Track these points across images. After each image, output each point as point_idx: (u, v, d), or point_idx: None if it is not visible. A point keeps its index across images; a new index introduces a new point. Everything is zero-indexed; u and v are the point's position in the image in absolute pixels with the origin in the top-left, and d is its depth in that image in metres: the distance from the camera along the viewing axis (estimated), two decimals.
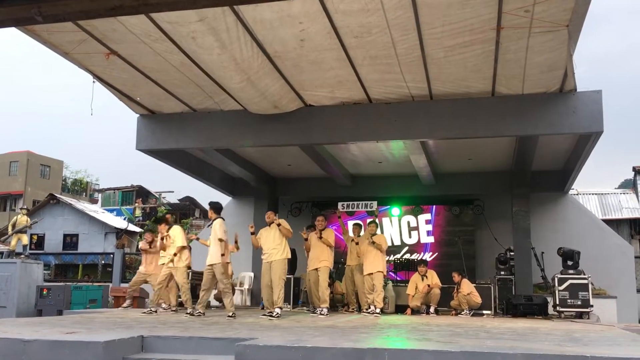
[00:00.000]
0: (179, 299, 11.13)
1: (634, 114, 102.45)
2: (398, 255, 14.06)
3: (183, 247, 9.70)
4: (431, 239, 14.32)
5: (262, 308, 11.17)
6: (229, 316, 8.53)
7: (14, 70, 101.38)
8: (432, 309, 11.03)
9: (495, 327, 7.56)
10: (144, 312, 9.54)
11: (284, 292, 9.07)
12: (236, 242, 9.88)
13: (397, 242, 14.41)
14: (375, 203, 11.87)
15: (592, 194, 23.26)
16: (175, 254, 9.61)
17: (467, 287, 11.20)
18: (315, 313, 9.84)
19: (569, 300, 10.42)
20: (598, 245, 13.08)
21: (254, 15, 7.30)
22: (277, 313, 8.68)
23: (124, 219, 39.63)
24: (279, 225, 9.07)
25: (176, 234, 9.82)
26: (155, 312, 9.63)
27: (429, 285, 11.15)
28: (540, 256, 12.46)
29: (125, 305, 11.29)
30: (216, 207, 9.36)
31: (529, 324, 8.67)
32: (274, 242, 9.08)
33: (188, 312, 9.07)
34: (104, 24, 7.61)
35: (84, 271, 32.36)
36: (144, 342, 5.33)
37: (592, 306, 10.36)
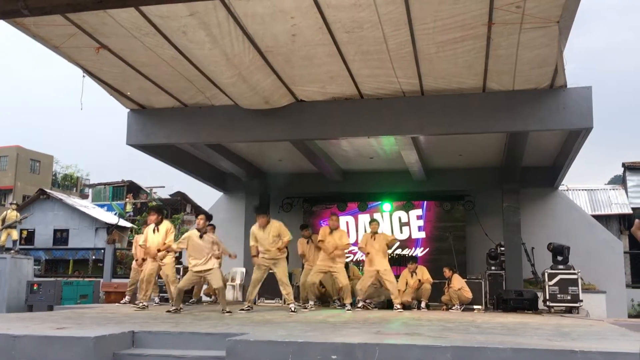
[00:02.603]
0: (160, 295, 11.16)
1: (624, 110, 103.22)
2: (389, 251, 14.09)
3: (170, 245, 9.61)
4: (422, 235, 14.38)
5: (254, 304, 11.21)
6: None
7: (2, 62, 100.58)
8: (423, 304, 11.07)
9: (485, 322, 7.60)
10: (137, 308, 9.49)
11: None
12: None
13: None
14: None
15: (582, 189, 23.36)
16: (158, 250, 9.52)
17: (457, 282, 11.25)
18: (306, 308, 9.91)
19: (558, 295, 10.50)
20: (588, 241, 13.18)
21: (245, 10, 7.27)
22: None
23: (115, 214, 39.47)
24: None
25: (170, 230, 9.72)
26: (147, 307, 9.60)
27: (419, 281, 11.19)
28: (531, 251, 12.54)
29: (123, 301, 11.16)
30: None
31: (519, 318, 8.72)
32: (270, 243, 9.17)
33: (173, 308, 9.05)
34: (94, 18, 7.56)
35: (74, 266, 32.20)
36: (135, 337, 5.32)
37: (581, 301, 10.45)
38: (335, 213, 11.13)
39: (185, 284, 9.04)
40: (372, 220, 11.49)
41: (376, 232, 10.81)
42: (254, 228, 9.31)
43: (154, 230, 9.68)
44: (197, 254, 8.83)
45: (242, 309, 9.00)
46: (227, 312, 8.50)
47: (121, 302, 11.22)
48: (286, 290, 9.14)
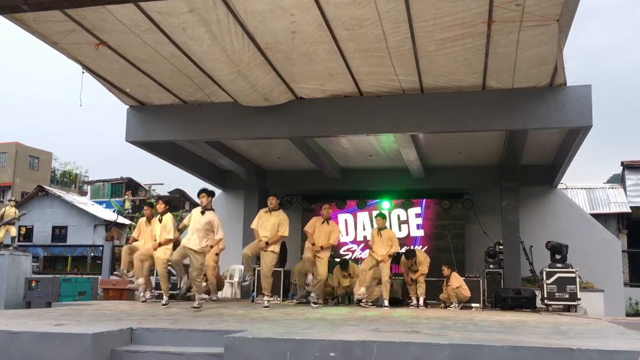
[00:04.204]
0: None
1: (624, 109, 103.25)
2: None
3: (170, 240, 9.63)
4: (421, 233, 14.37)
5: (252, 301, 11.20)
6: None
7: (1, 57, 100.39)
8: (421, 301, 11.07)
9: (483, 320, 7.61)
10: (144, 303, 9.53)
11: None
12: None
13: None
14: None
15: (581, 188, 23.34)
16: (160, 244, 9.53)
17: (456, 281, 11.26)
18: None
19: (556, 294, 10.51)
20: (586, 239, 13.18)
21: (245, 7, 7.27)
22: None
23: (114, 211, 39.42)
24: None
25: (169, 223, 9.75)
26: (145, 301, 9.66)
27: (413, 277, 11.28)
28: (529, 250, 12.53)
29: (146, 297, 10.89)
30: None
31: (517, 317, 8.73)
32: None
33: (164, 302, 9.07)
34: (94, 14, 7.55)
35: (73, 263, 32.22)
36: (133, 334, 5.32)
37: (579, 299, 10.46)
38: (329, 203, 11.11)
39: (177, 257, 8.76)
40: (378, 215, 11.28)
41: (383, 228, 10.79)
42: (261, 211, 9.53)
43: (160, 220, 9.74)
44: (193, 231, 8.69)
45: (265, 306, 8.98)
46: (195, 306, 8.38)
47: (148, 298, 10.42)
48: (266, 282, 9.19)
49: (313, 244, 9.97)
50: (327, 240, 9.97)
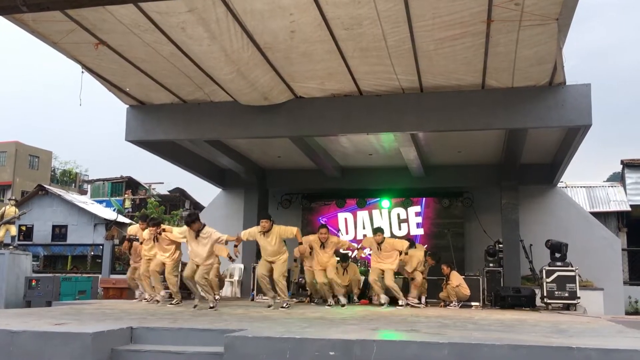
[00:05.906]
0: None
1: (624, 107, 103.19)
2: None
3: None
4: (421, 231, 14.37)
5: (252, 300, 11.22)
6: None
7: (1, 57, 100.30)
8: (422, 300, 11.07)
9: (483, 319, 7.62)
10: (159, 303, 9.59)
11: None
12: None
13: (387, 235, 14.39)
14: None
15: (581, 187, 23.31)
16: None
17: (456, 279, 11.27)
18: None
19: (556, 292, 10.53)
20: (586, 238, 13.19)
21: (244, 6, 7.27)
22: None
23: (114, 210, 39.38)
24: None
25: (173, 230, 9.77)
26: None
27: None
28: (529, 248, 12.55)
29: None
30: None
31: (516, 315, 8.75)
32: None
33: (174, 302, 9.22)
34: (93, 14, 7.55)
35: (73, 262, 32.19)
36: (133, 333, 5.33)
37: (579, 298, 10.48)
38: (325, 225, 10.57)
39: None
40: (377, 230, 10.85)
41: (382, 242, 10.42)
42: (255, 231, 9.31)
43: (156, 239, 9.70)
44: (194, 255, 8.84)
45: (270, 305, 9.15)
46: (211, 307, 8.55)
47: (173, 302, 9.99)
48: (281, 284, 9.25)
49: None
50: (329, 264, 9.94)
